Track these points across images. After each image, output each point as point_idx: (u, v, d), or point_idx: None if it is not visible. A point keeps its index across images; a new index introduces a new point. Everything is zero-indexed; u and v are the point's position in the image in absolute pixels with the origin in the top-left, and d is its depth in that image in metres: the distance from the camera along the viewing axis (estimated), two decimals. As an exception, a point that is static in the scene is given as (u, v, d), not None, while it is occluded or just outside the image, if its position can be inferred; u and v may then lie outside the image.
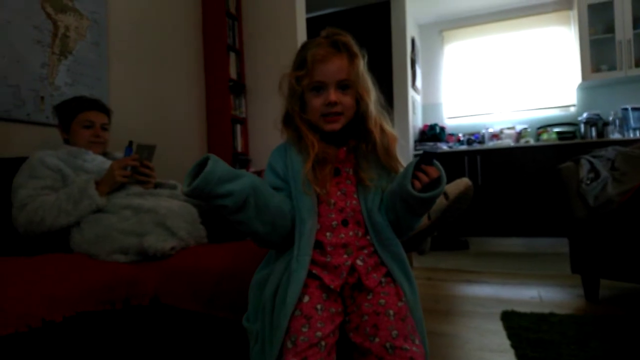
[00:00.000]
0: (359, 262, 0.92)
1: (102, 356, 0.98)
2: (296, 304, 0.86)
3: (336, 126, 0.96)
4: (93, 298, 1.00)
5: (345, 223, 0.95)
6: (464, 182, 1.22)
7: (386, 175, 0.99)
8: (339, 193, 0.96)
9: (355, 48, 0.97)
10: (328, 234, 0.93)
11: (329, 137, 0.99)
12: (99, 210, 1.37)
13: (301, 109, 0.99)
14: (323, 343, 0.85)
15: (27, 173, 1.44)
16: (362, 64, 0.97)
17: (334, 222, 0.95)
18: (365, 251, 0.94)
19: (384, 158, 0.97)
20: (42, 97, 1.89)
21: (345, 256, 0.92)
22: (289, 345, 0.83)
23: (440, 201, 1.19)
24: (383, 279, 0.92)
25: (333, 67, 0.95)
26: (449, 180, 1.25)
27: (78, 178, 1.45)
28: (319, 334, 0.85)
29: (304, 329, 0.84)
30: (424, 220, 1.18)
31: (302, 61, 0.96)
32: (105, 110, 1.70)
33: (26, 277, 1.02)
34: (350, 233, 0.95)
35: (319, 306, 0.87)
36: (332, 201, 0.96)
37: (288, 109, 1.00)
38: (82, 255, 1.27)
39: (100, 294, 1.01)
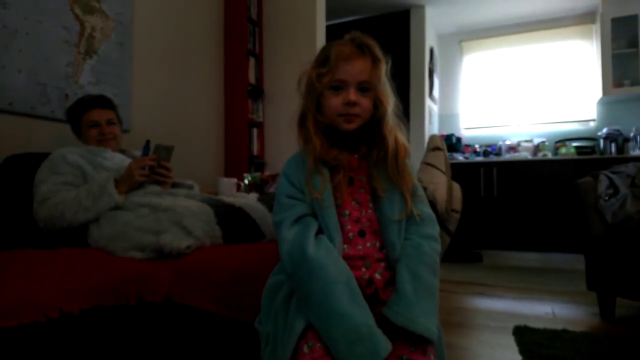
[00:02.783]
0: (377, 276, 0.90)
1: (115, 350, 0.99)
2: None
3: (351, 126, 0.94)
4: (108, 292, 1.01)
5: (362, 234, 0.93)
6: (458, 191, 1.22)
7: (398, 189, 0.94)
8: (353, 203, 0.94)
9: (379, 53, 0.96)
10: (345, 246, 0.92)
11: (341, 143, 0.96)
12: (117, 207, 1.39)
13: (317, 110, 0.96)
14: None
15: (49, 169, 1.48)
16: (384, 69, 0.96)
17: (351, 234, 0.93)
18: (383, 264, 0.92)
19: (391, 168, 0.94)
20: (67, 95, 1.94)
21: (363, 269, 0.90)
22: (306, 350, 0.82)
23: (455, 217, 1.20)
24: None
25: (356, 68, 0.93)
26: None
27: (98, 175, 1.48)
28: None
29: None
30: (442, 179, 1.18)
31: (325, 58, 0.94)
32: (108, 105, 1.71)
33: (45, 269, 1.04)
34: (368, 244, 0.92)
35: None
36: (347, 212, 0.93)
37: (304, 108, 0.98)
38: (99, 251, 1.29)
39: (115, 289, 1.03)
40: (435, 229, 0.96)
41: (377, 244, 0.93)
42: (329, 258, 0.86)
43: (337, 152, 0.95)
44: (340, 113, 0.93)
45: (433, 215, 0.99)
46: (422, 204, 0.97)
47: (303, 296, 0.86)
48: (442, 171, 1.20)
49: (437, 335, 0.87)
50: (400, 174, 0.94)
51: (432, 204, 1.15)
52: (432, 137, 1.25)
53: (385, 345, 0.79)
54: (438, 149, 1.21)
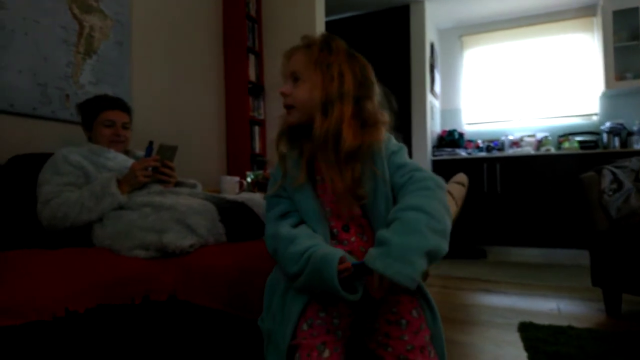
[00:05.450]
0: None
1: (121, 348, 0.99)
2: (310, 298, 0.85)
3: (288, 118, 0.95)
4: (114, 292, 1.01)
5: (346, 229, 0.93)
6: (463, 177, 1.27)
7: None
8: (334, 199, 0.93)
9: (314, 40, 0.94)
10: (333, 242, 0.92)
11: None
12: (120, 207, 1.39)
13: None
14: (340, 333, 0.84)
15: (51, 170, 1.48)
16: (316, 53, 0.92)
17: (335, 230, 0.93)
18: None
19: (326, 158, 0.89)
20: (67, 95, 1.93)
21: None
22: (305, 327, 0.83)
23: (460, 189, 1.22)
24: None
25: (290, 61, 0.95)
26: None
27: (100, 175, 1.48)
28: (336, 321, 0.84)
29: (322, 314, 0.84)
30: (454, 208, 1.19)
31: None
32: (127, 109, 1.72)
33: (51, 268, 1.04)
34: (353, 239, 0.92)
35: (334, 299, 0.86)
36: (328, 209, 0.93)
37: None
38: (104, 250, 1.29)
39: (120, 288, 1.03)
40: (424, 198, 0.83)
41: (365, 238, 0.93)
42: (303, 231, 0.89)
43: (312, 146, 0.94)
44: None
45: (429, 179, 0.87)
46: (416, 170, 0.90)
47: (287, 273, 0.87)
48: (456, 203, 1.24)
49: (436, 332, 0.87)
50: (339, 167, 0.88)
51: None
52: (461, 175, 1.32)
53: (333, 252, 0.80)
54: (462, 185, 1.26)
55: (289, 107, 0.95)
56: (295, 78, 0.94)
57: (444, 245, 0.79)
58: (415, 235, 0.76)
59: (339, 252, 0.81)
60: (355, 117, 0.90)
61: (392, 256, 0.75)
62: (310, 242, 0.85)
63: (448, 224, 0.81)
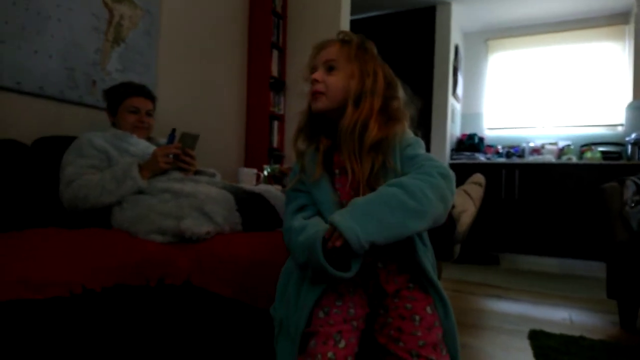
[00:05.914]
0: (379, 265, 0.91)
1: (134, 328, 1.02)
2: (326, 287, 0.86)
3: (315, 104, 0.98)
4: (130, 273, 1.04)
5: None
6: (480, 177, 1.26)
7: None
8: (352, 192, 0.94)
9: (351, 37, 1.00)
10: None
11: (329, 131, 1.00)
12: (140, 192, 1.42)
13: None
14: (355, 323, 0.85)
15: (75, 152, 1.52)
16: (354, 50, 0.98)
17: None
18: (389, 253, 0.92)
19: (346, 146, 0.93)
20: (94, 81, 1.98)
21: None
22: (321, 315, 0.84)
23: (478, 190, 1.23)
24: (411, 285, 0.90)
25: (324, 51, 0.99)
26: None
27: (122, 160, 1.51)
28: (352, 311, 0.85)
29: (338, 303, 0.85)
30: (472, 209, 1.19)
31: (310, 58, 1.02)
32: (151, 97, 1.76)
33: (71, 247, 1.08)
34: None
35: (350, 289, 0.88)
36: (345, 202, 0.93)
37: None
38: (122, 232, 1.32)
39: (136, 269, 1.06)
40: (414, 180, 0.84)
41: None
42: (312, 221, 0.91)
43: (327, 142, 1.00)
44: (310, 94, 0.99)
45: (435, 168, 0.87)
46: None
47: (298, 263, 0.89)
48: (474, 203, 1.26)
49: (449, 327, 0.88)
50: (360, 157, 0.92)
51: (454, 223, 1.19)
52: (478, 175, 1.36)
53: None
54: (479, 185, 1.28)
55: (317, 93, 0.97)
56: (330, 67, 0.98)
57: (412, 225, 0.80)
58: (381, 207, 0.80)
59: (324, 229, 0.83)
60: (381, 112, 0.96)
61: (350, 214, 0.80)
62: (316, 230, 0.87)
63: (428, 207, 0.81)
